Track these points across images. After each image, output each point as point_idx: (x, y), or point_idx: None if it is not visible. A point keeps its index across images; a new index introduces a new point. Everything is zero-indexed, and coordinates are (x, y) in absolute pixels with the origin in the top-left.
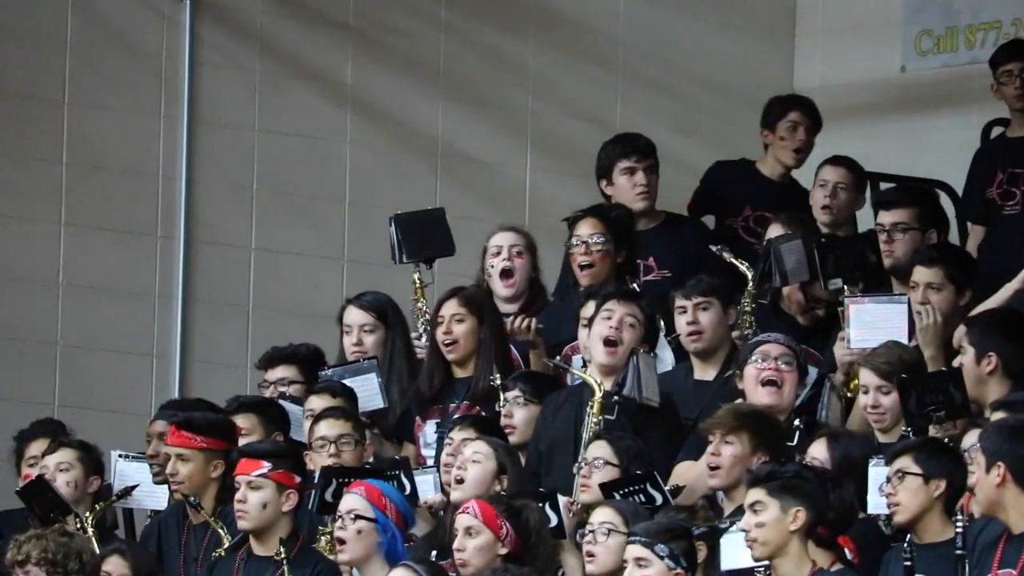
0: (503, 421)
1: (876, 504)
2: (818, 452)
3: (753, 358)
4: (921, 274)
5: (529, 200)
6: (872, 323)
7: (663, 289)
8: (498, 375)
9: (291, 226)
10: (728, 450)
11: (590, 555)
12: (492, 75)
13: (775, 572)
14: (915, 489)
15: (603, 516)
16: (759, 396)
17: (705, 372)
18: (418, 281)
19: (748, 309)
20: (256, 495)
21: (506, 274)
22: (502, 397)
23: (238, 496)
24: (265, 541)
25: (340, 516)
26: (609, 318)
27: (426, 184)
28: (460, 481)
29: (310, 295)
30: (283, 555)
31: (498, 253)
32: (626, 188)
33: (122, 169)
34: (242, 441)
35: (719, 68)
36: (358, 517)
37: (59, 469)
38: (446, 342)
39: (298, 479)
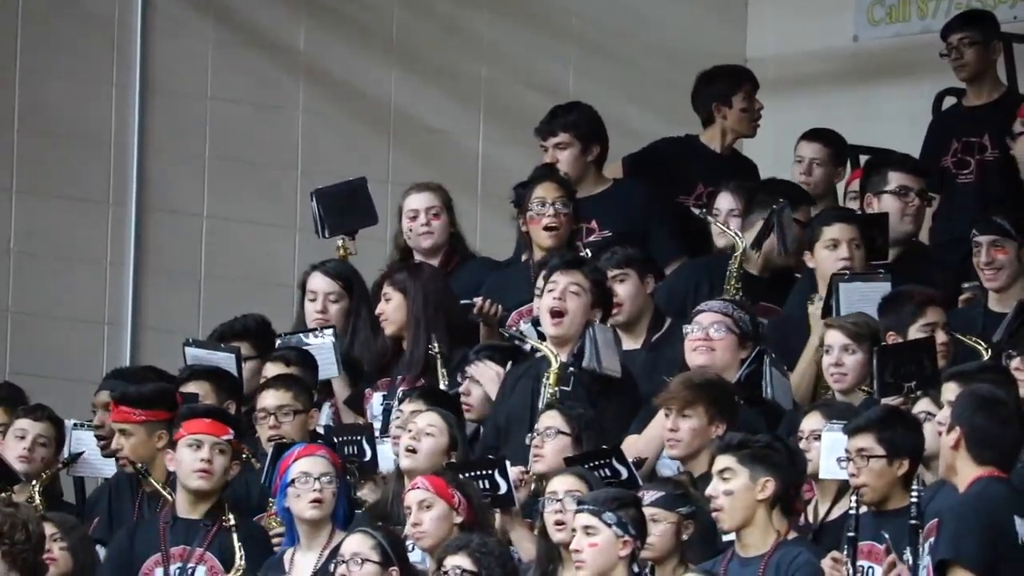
0: (462, 398)
1: (829, 470)
2: (815, 423)
3: (689, 328)
4: (845, 231)
5: (482, 169)
6: (860, 301)
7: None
8: (436, 343)
9: (243, 194)
10: (686, 424)
11: (560, 524)
12: (445, 44)
13: (739, 541)
14: (880, 470)
15: (569, 484)
16: (693, 359)
17: (631, 341)
18: (342, 250)
19: (736, 275)
20: (221, 459)
21: (426, 235)
22: (466, 370)
23: (204, 455)
24: (198, 505)
25: (315, 478)
26: (552, 289)
27: (378, 153)
28: (412, 451)
29: (262, 263)
30: (232, 523)
31: (415, 217)
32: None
33: (74, 136)
34: None
35: (672, 37)
36: (335, 478)
37: (38, 443)
38: (380, 320)
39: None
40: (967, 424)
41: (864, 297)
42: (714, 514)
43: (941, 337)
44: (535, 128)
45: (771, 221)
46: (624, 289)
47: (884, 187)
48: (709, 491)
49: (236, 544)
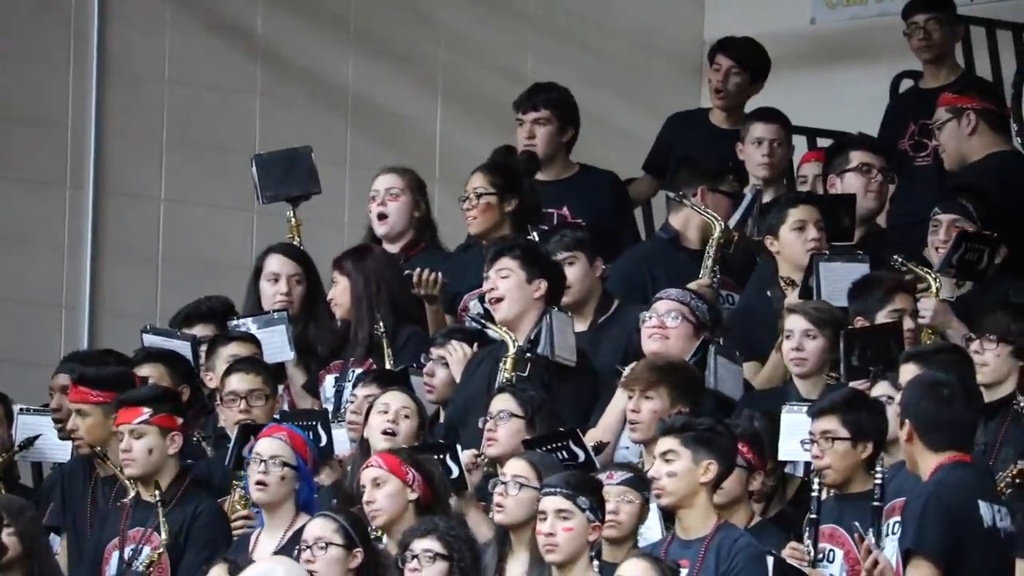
0: (424, 379)
1: (788, 451)
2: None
3: (647, 315)
4: (810, 212)
5: (440, 152)
6: (840, 281)
7: None
8: (381, 324)
9: (201, 177)
10: (647, 405)
11: (499, 506)
12: (403, 27)
13: (680, 524)
14: (843, 452)
15: (516, 469)
16: (648, 345)
17: (579, 323)
18: (293, 220)
19: (712, 256)
20: (140, 443)
21: (381, 218)
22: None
23: (123, 446)
24: (149, 487)
25: (263, 460)
26: (488, 278)
27: (336, 136)
28: (392, 434)
29: (220, 246)
30: (158, 498)
31: (375, 198)
32: (519, 139)
33: (31, 119)
34: None
35: (630, 20)
36: (284, 464)
37: None
38: (332, 305)
39: (179, 420)
40: (914, 413)
41: (844, 277)
42: (655, 492)
43: (908, 323)
44: (514, 102)
45: (754, 202)
46: (572, 272)
47: (846, 166)
48: (652, 472)
49: (161, 519)
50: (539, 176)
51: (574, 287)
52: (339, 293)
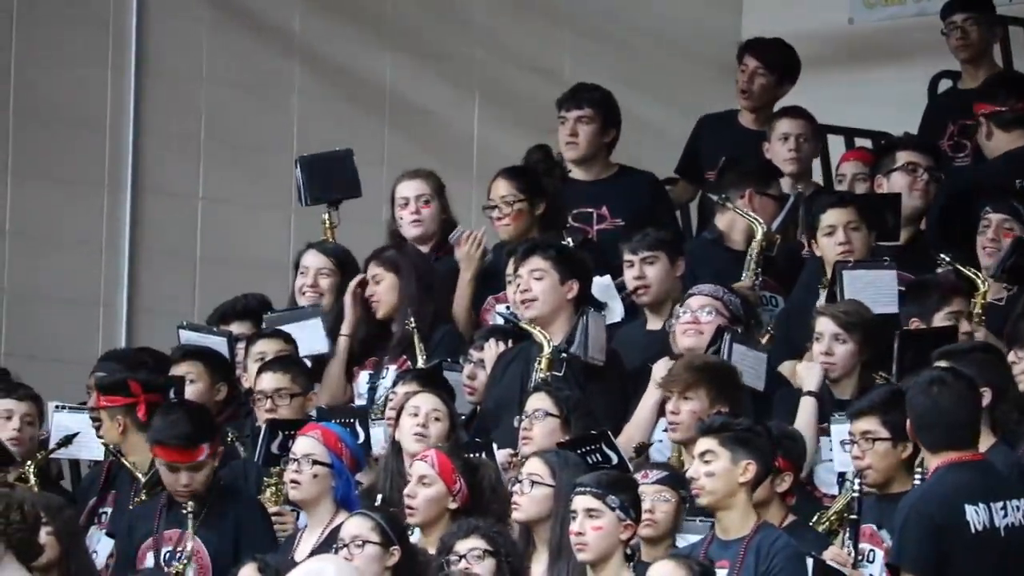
0: (464, 381)
1: (840, 461)
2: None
3: (681, 310)
4: (839, 216)
5: (476, 151)
6: (863, 289)
7: (617, 238)
8: (412, 319)
9: (238, 176)
10: (687, 407)
11: (516, 504)
12: (440, 26)
13: (719, 524)
14: (884, 452)
15: (530, 467)
16: (682, 341)
17: (655, 322)
18: (327, 222)
19: (754, 258)
20: (200, 475)
21: (416, 224)
22: (469, 354)
23: (184, 481)
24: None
25: (296, 459)
26: (519, 283)
27: (373, 135)
28: (422, 435)
29: (257, 245)
30: (189, 511)
31: (406, 204)
32: (561, 137)
33: (70, 119)
34: (188, 388)
35: (666, 20)
36: (315, 462)
37: (26, 422)
38: (372, 301)
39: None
40: (911, 410)
41: (869, 285)
42: (694, 492)
43: (964, 327)
44: (557, 99)
45: (796, 204)
46: (653, 271)
47: (892, 166)
48: (690, 473)
49: (190, 530)
50: (578, 176)
51: (653, 286)
52: (384, 290)
